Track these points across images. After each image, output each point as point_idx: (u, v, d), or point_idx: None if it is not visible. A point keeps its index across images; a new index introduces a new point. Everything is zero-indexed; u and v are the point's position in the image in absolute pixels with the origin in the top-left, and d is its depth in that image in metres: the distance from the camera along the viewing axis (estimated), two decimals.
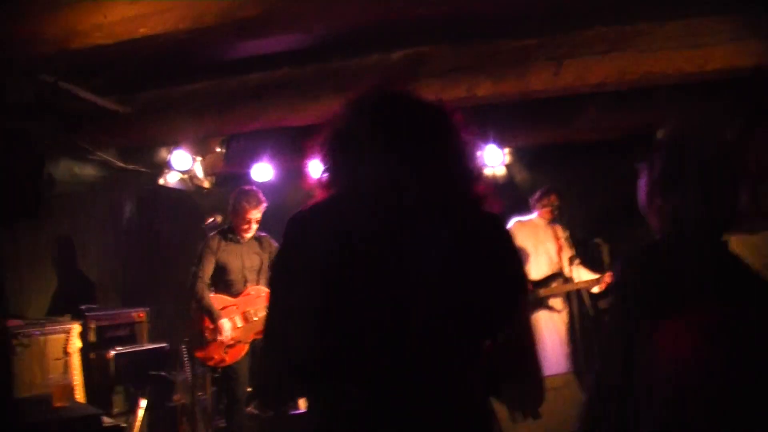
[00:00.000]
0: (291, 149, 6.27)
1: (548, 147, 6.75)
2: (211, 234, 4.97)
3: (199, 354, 4.85)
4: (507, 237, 1.57)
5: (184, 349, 4.94)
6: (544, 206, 5.81)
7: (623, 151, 6.69)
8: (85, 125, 5.10)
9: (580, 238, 6.15)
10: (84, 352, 4.74)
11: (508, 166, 6.90)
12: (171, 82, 4.99)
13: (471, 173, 1.63)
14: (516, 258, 1.57)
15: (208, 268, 4.86)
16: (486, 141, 6.25)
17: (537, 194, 5.92)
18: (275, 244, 4.96)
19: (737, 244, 6.75)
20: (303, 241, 1.45)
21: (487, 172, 7.52)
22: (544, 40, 4.51)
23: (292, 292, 1.42)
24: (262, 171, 6.41)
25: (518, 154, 6.96)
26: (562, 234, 5.82)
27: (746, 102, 5.45)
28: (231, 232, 4.98)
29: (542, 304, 5.63)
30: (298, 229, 1.48)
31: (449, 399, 1.38)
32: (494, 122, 6.02)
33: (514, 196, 6.34)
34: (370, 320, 1.36)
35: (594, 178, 6.66)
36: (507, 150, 6.70)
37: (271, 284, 1.64)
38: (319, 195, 1.59)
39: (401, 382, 1.35)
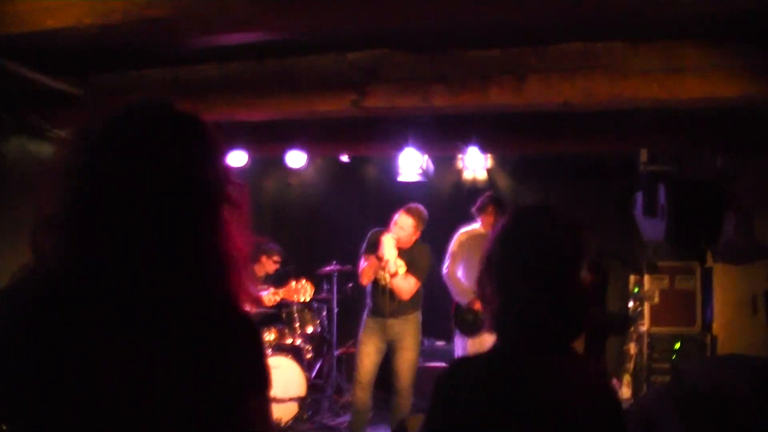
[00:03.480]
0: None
1: (532, 157, 6.48)
2: None
3: None
4: (249, 337, 1.29)
5: None
6: (486, 216, 5.55)
7: (607, 169, 6.46)
8: (37, 106, 4.99)
9: None
10: None
11: (489, 171, 6.66)
12: (127, 67, 4.85)
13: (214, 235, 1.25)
14: (257, 358, 1.29)
15: None
16: (467, 145, 5.98)
17: (478, 203, 5.65)
18: None
19: (724, 273, 6.41)
20: None
21: (468, 175, 7.31)
22: (507, 52, 4.23)
23: None
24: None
25: (500, 160, 6.68)
26: None
27: (731, 134, 5.12)
28: None
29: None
30: None
31: None
32: (477, 128, 5.77)
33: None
34: None
35: (575, 193, 6.38)
36: (489, 156, 6.44)
37: None
38: None
39: None
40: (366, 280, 5.22)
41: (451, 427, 1.50)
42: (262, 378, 1.29)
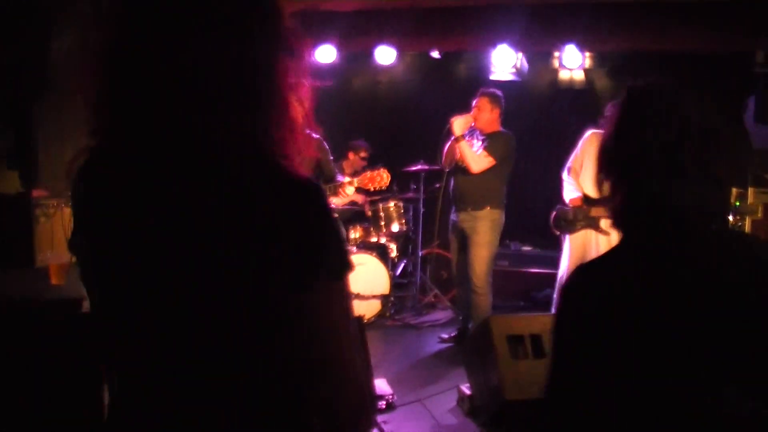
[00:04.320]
0: None
1: (634, 56, 6.05)
2: None
3: None
4: (308, 211, 1.13)
5: None
6: None
7: (719, 69, 5.98)
8: None
9: None
10: None
11: (587, 71, 6.30)
12: None
13: (278, 102, 1.16)
14: (319, 238, 1.13)
15: None
16: (565, 41, 5.66)
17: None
18: None
19: None
20: None
21: (564, 75, 6.96)
22: None
23: None
24: None
25: (599, 60, 6.29)
26: None
27: None
28: None
29: (591, 223, 5.22)
30: None
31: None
32: (575, 21, 5.43)
33: (591, 104, 5.75)
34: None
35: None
36: (588, 54, 6.08)
37: None
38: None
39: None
40: (446, 162, 5.39)
41: (584, 335, 1.40)
42: (342, 258, 1.16)
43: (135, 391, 1.18)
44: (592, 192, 5.26)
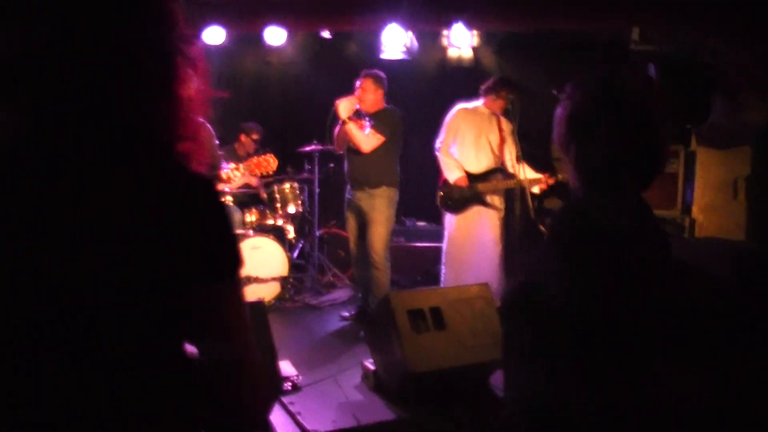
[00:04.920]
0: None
1: (520, 35, 6.25)
2: None
3: None
4: (206, 209, 1.10)
5: None
6: (497, 98, 5.39)
7: (597, 48, 6.28)
8: None
9: (536, 138, 5.81)
10: None
11: (475, 50, 6.45)
12: None
13: (168, 88, 1.12)
14: (209, 237, 1.09)
15: None
16: (453, 20, 5.76)
17: (489, 82, 5.47)
18: None
19: (708, 156, 6.41)
20: None
21: (453, 53, 7.10)
22: None
23: None
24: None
25: (486, 38, 6.46)
26: (506, 127, 5.47)
27: (724, 13, 4.95)
28: None
29: (479, 199, 5.40)
30: None
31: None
32: (465, 1, 5.54)
33: (479, 81, 5.90)
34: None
35: (564, 74, 6.22)
36: (475, 32, 6.22)
37: None
38: None
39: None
40: (338, 146, 5.45)
41: (593, 276, 1.49)
42: (228, 257, 1.12)
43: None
44: (475, 167, 5.42)
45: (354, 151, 5.31)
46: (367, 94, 5.27)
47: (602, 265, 1.47)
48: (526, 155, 5.29)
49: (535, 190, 5.41)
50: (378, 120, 5.26)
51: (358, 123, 5.21)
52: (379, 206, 5.27)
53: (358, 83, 5.31)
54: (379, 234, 5.27)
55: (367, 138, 5.18)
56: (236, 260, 1.12)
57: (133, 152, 1.07)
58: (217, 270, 1.10)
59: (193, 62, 1.15)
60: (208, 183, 1.12)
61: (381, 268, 5.27)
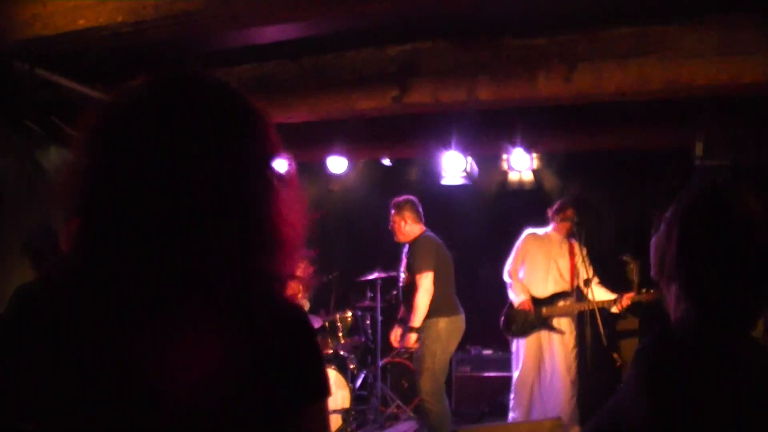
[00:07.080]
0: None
1: (580, 155, 6.22)
2: None
3: None
4: (297, 344, 1.08)
5: None
6: (561, 220, 5.30)
7: (660, 164, 6.17)
8: (71, 113, 4.93)
9: (607, 254, 5.63)
10: None
11: (535, 172, 6.42)
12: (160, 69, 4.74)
13: (270, 224, 1.10)
14: (304, 365, 1.09)
15: None
16: (513, 144, 5.78)
17: (555, 206, 5.41)
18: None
19: None
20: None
21: (513, 176, 7.08)
22: (556, 40, 4.01)
23: None
24: None
25: (547, 160, 6.44)
26: (579, 251, 5.31)
27: None
28: None
29: (545, 324, 5.18)
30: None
31: None
32: (522, 124, 5.56)
33: (541, 203, 5.83)
34: None
35: (627, 191, 6.10)
36: (535, 155, 6.22)
37: None
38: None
39: None
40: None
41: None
42: (320, 382, 1.11)
43: None
44: (542, 291, 5.26)
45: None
46: (396, 226, 5.26)
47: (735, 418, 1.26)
48: (599, 275, 5.10)
49: (614, 310, 5.17)
50: (412, 255, 5.16)
51: (408, 332, 5.09)
52: (426, 340, 5.04)
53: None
54: (426, 370, 5.03)
55: (422, 302, 4.98)
56: (328, 387, 1.12)
57: (241, 292, 1.05)
58: (318, 389, 1.10)
59: (291, 184, 1.15)
60: (302, 312, 1.13)
61: (428, 399, 5.01)
